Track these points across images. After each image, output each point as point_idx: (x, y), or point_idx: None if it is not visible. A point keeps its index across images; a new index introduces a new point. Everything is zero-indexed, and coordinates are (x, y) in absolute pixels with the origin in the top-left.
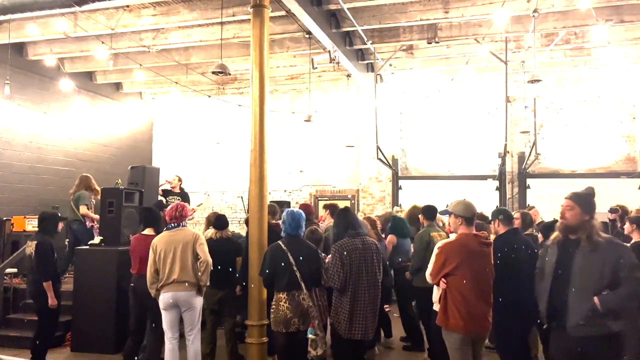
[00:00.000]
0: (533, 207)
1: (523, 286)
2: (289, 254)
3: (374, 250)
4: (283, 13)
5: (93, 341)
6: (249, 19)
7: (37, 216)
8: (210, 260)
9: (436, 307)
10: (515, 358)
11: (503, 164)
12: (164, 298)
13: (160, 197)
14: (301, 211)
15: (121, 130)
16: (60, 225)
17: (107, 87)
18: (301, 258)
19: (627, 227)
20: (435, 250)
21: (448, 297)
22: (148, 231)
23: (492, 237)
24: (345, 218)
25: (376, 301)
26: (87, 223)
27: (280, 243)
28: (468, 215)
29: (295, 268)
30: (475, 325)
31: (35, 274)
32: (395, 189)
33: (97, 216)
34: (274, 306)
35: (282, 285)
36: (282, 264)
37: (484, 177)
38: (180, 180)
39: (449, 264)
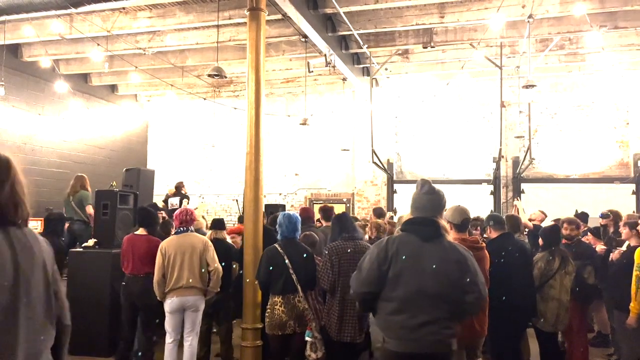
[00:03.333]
0: (541, 213)
1: (515, 290)
2: (285, 257)
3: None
4: (279, 16)
5: (86, 344)
6: (245, 22)
7: (32, 218)
8: (220, 268)
9: None
10: None
11: (497, 168)
12: (172, 302)
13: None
14: (297, 215)
15: (116, 132)
16: (66, 226)
17: (102, 89)
18: (297, 261)
19: (625, 232)
20: None
21: None
22: (141, 231)
23: None
24: (340, 223)
25: None
26: (91, 222)
27: (277, 246)
28: (455, 221)
29: (291, 271)
30: (464, 333)
31: None
32: (390, 192)
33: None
34: (269, 310)
35: (278, 288)
36: (279, 267)
37: (478, 182)
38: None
39: None
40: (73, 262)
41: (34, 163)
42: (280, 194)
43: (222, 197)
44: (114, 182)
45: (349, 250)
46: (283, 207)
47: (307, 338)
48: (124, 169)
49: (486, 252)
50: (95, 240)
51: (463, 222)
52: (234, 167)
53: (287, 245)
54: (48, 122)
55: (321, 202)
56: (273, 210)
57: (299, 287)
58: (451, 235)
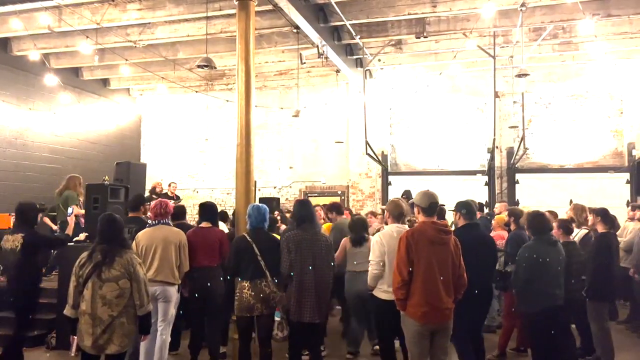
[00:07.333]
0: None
1: (476, 282)
2: (254, 245)
3: (323, 242)
4: (270, 7)
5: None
6: (236, 13)
7: None
8: (188, 267)
9: (384, 295)
10: (467, 350)
11: (492, 159)
12: None
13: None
14: (265, 206)
15: (109, 126)
16: (39, 216)
17: (93, 83)
18: (265, 249)
19: (590, 218)
20: (376, 240)
21: (410, 284)
22: (205, 224)
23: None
24: (302, 211)
25: (323, 289)
26: (81, 222)
27: (246, 235)
28: (423, 204)
29: (259, 258)
30: (434, 315)
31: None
32: (385, 184)
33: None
34: (237, 294)
35: (247, 274)
36: (248, 255)
37: (473, 172)
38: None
39: (411, 251)
40: (63, 256)
41: (25, 158)
42: (274, 187)
43: (216, 191)
44: (107, 177)
45: (306, 239)
46: (277, 200)
47: (276, 318)
48: (115, 163)
49: (451, 236)
50: (87, 234)
51: (430, 205)
52: (228, 160)
53: (255, 234)
54: (39, 117)
55: (316, 194)
56: (267, 203)
57: (267, 273)
58: (419, 218)
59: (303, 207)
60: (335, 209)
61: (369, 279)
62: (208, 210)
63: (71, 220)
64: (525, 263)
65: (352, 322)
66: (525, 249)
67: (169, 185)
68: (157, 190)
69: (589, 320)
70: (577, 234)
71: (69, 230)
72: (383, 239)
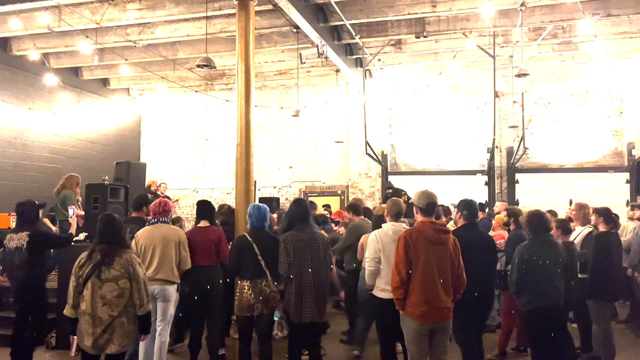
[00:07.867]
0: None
1: (476, 281)
2: (254, 245)
3: (320, 242)
4: (270, 7)
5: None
6: (236, 13)
7: None
8: (190, 265)
9: (382, 294)
10: (471, 350)
11: (492, 158)
12: None
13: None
14: (266, 206)
15: (108, 126)
16: (41, 213)
17: (93, 83)
18: (265, 249)
19: (593, 218)
20: (371, 238)
21: (409, 283)
22: (203, 223)
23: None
24: (295, 211)
25: (322, 288)
26: (79, 222)
27: (246, 235)
28: (421, 204)
29: (260, 258)
30: (433, 315)
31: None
32: (385, 184)
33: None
34: (237, 293)
35: (248, 274)
36: (249, 255)
37: (473, 172)
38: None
39: (410, 251)
40: (63, 256)
41: (25, 158)
42: (274, 187)
43: (216, 191)
44: (106, 177)
45: (303, 239)
46: (277, 200)
47: (275, 318)
48: (115, 162)
49: (450, 236)
50: (87, 234)
51: (428, 205)
52: (228, 160)
53: (255, 234)
54: (39, 116)
55: (316, 194)
56: (267, 203)
57: (267, 272)
58: (418, 218)
59: (296, 206)
60: (353, 208)
61: (366, 276)
62: (205, 209)
63: (73, 221)
64: (521, 263)
65: (359, 322)
66: (521, 248)
67: (159, 186)
68: (152, 188)
69: (592, 320)
70: (581, 232)
71: (72, 230)
72: (378, 237)
